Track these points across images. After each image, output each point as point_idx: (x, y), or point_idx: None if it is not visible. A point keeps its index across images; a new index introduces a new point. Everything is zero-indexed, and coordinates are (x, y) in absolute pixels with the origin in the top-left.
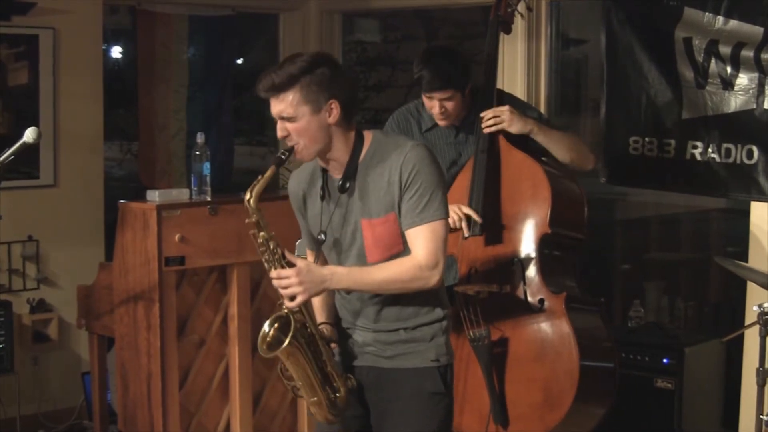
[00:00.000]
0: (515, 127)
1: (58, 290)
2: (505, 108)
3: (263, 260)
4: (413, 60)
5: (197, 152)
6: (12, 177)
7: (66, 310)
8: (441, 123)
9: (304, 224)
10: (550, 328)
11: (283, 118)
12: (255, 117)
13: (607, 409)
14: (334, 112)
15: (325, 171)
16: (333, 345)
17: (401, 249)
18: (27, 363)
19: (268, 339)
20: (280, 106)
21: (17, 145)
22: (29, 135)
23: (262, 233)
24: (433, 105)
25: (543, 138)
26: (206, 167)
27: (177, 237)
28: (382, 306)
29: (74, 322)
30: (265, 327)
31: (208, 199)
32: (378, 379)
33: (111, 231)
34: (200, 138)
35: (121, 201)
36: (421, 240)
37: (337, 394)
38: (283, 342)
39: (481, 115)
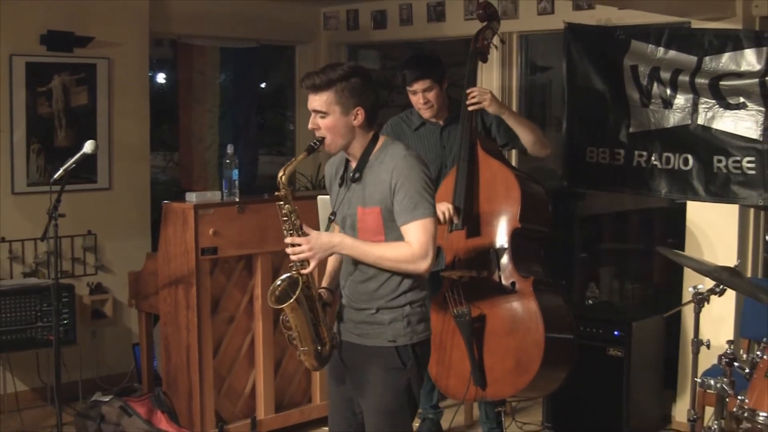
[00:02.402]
0: (492, 107)
1: (112, 275)
2: (488, 90)
3: (284, 229)
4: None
5: (227, 161)
6: (74, 181)
7: (119, 292)
8: (427, 114)
9: (329, 198)
10: (520, 307)
11: (316, 112)
12: (276, 131)
13: (567, 373)
14: (359, 117)
15: (348, 162)
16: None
17: (382, 240)
18: (87, 336)
19: (276, 293)
20: (316, 102)
21: (78, 155)
22: (88, 147)
23: (287, 206)
24: (417, 98)
25: (512, 121)
26: (235, 173)
27: (211, 231)
28: (357, 286)
29: (126, 302)
30: (278, 281)
31: (237, 199)
32: (350, 351)
33: (156, 226)
34: (230, 149)
35: (165, 201)
36: (414, 233)
37: (323, 347)
38: (290, 298)
39: (468, 91)
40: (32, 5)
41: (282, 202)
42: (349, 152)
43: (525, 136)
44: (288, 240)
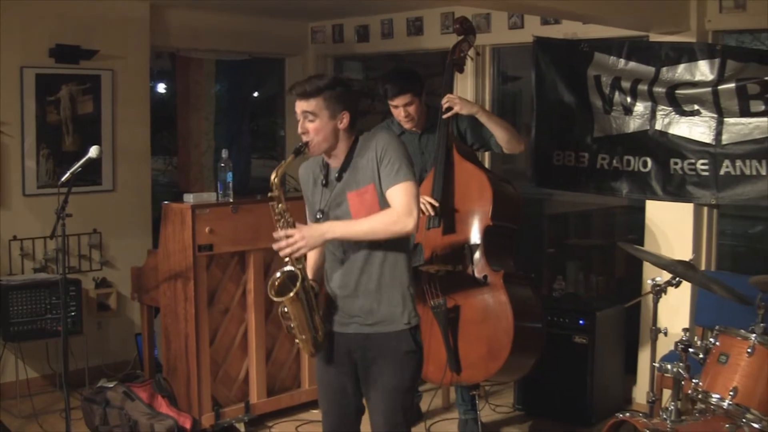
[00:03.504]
0: (465, 109)
1: (116, 271)
2: (454, 95)
3: (278, 226)
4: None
5: (222, 164)
6: (80, 184)
7: (122, 286)
8: (407, 125)
9: (309, 203)
10: (492, 298)
11: (306, 112)
12: (267, 137)
13: (536, 359)
14: (344, 120)
15: (326, 164)
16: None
17: None
18: (93, 326)
19: (276, 285)
20: (305, 105)
21: (84, 159)
22: (93, 152)
23: (280, 205)
24: (399, 111)
25: (486, 119)
26: (229, 176)
27: (207, 229)
28: (359, 271)
29: (129, 295)
30: (276, 274)
31: (231, 200)
32: (359, 342)
33: (157, 225)
34: (225, 154)
35: (165, 202)
36: (397, 195)
37: (318, 335)
38: (289, 290)
39: (442, 101)
40: (42, 21)
41: (275, 202)
42: (334, 154)
43: (499, 133)
44: (281, 232)
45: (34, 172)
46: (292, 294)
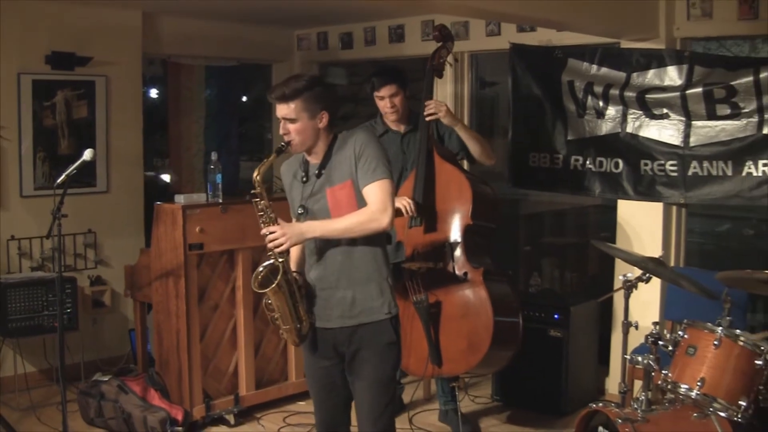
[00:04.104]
0: (447, 119)
1: (110, 269)
2: (443, 104)
3: (261, 222)
4: (371, 96)
5: (212, 166)
6: (76, 185)
7: (116, 284)
8: (392, 118)
9: (291, 199)
10: (472, 294)
11: (286, 119)
12: (255, 140)
13: (514, 352)
14: (324, 119)
15: (306, 162)
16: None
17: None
18: (88, 323)
19: (259, 278)
20: (285, 110)
21: (79, 162)
22: (87, 155)
23: (263, 202)
24: (385, 103)
25: (464, 133)
26: (219, 177)
27: (197, 229)
28: (339, 267)
29: (122, 293)
30: (260, 268)
31: (220, 201)
32: (343, 335)
33: (149, 225)
34: (214, 156)
35: (157, 203)
36: (373, 193)
37: (302, 325)
38: (272, 282)
39: (426, 103)
40: (38, 29)
41: (258, 199)
42: (314, 152)
43: (473, 146)
44: (265, 230)
45: (31, 175)
46: (274, 285)
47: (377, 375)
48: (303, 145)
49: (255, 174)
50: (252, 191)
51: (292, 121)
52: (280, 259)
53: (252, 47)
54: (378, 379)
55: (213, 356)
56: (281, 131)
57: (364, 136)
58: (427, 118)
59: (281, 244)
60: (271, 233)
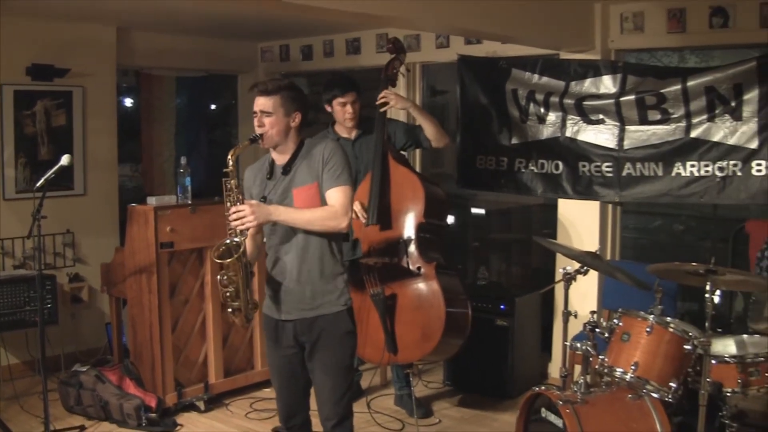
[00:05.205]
0: (399, 104)
1: (87, 267)
2: (390, 92)
3: (227, 201)
4: (328, 104)
5: (182, 170)
6: (55, 189)
7: (93, 280)
8: (350, 124)
9: (251, 195)
10: (425, 287)
11: (263, 112)
12: (223, 146)
13: (464, 341)
14: (296, 120)
15: (272, 162)
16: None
17: None
18: (67, 317)
19: (220, 249)
20: (265, 103)
21: (57, 166)
22: (64, 160)
23: (232, 180)
24: (346, 109)
25: (418, 114)
26: (188, 181)
27: (168, 229)
28: (299, 262)
29: (99, 289)
30: (223, 241)
31: (189, 202)
32: (305, 326)
33: (123, 225)
34: (183, 161)
35: (131, 204)
36: (337, 196)
37: (248, 307)
38: (231, 256)
39: (378, 97)
40: (19, 43)
41: (229, 178)
42: (281, 150)
43: (428, 127)
44: (232, 209)
45: (13, 179)
46: (235, 257)
47: (336, 362)
48: (274, 139)
49: (231, 153)
50: (224, 170)
51: (269, 114)
52: (243, 237)
53: (219, 59)
54: (337, 366)
55: (184, 347)
56: (256, 124)
57: (332, 145)
58: (381, 109)
59: (248, 222)
60: (239, 211)
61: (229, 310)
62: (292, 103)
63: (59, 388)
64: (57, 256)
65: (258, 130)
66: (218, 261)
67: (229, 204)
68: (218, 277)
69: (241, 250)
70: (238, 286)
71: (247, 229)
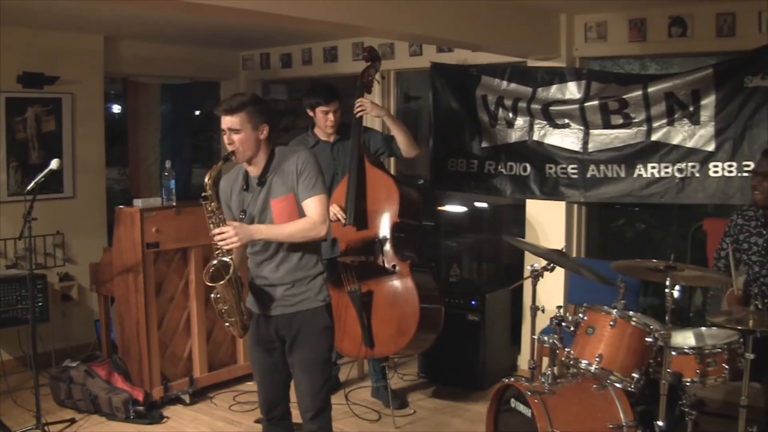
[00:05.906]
0: (374, 112)
1: (77, 266)
2: (366, 100)
3: (209, 223)
4: (311, 110)
5: (166, 173)
6: (45, 192)
7: (83, 279)
8: (330, 130)
9: (229, 212)
10: (400, 284)
11: (231, 130)
12: (206, 150)
13: (437, 335)
14: (264, 132)
15: (246, 173)
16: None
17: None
18: (58, 315)
19: (210, 271)
20: (231, 121)
21: (47, 170)
22: (54, 164)
23: (213, 203)
24: (329, 117)
25: (391, 123)
26: (173, 183)
27: (154, 229)
28: (280, 265)
29: (88, 287)
30: (210, 264)
31: (174, 204)
32: (285, 321)
33: (111, 226)
34: (168, 164)
35: (118, 206)
36: (314, 205)
37: (243, 319)
38: (222, 278)
39: (355, 105)
40: (10, 52)
41: (208, 201)
42: (254, 162)
43: (399, 136)
44: (216, 231)
45: (4, 183)
46: (226, 279)
47: (315, 356)
48: (246, 153)
49: (207, 178)
50: (203, 194)
51: (237, 131)
52: (230, 257)
53: (203, 67)
54: (316, 359)
55: (170, 343)
56: (226, 141)
57: (305, 154)
58: (357, 115)
59: (232, 242)
60: (223, 232)
61: (227, 324)
62: (259, 117)
63: (50, 383)
64: (48, 256)
65: (229, 148)
66: (210, 284)
67: (212, 226)
68: (212, 295)
69: (232, 270)
70: (231, 303)
71: (232, 250)
